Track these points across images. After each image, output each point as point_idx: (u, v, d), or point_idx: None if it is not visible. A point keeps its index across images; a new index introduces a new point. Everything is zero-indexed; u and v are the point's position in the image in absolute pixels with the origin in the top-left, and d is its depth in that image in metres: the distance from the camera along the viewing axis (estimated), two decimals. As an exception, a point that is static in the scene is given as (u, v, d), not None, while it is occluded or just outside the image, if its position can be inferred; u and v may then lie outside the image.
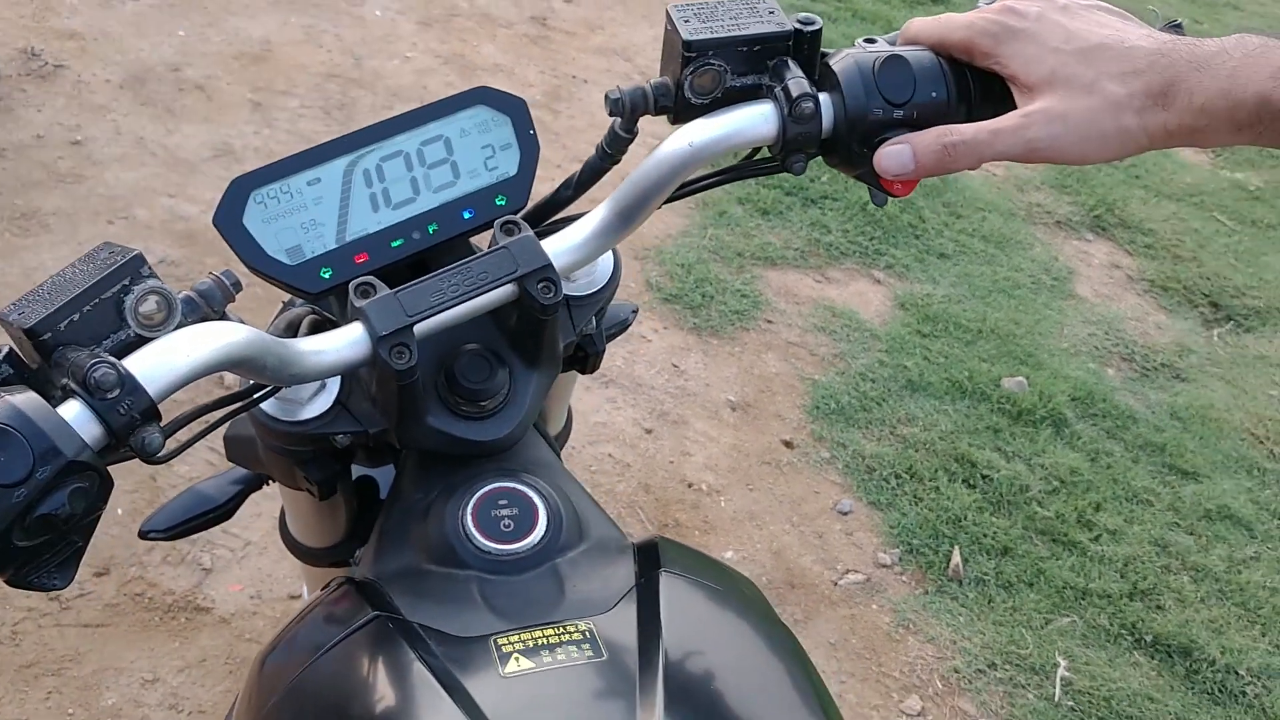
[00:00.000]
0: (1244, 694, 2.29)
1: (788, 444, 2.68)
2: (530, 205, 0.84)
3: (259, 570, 2.11)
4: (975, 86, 0.72)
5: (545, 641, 0.64)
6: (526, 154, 0.82)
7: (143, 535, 1.05)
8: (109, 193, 2.88)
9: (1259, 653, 2.37)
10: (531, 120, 0.82)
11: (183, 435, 0.65)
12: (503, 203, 0.81)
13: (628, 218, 0.76)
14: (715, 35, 0.72)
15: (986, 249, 3.56)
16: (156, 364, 0.58)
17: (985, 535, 2.50)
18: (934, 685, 2.20)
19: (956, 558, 2.44)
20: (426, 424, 0.78)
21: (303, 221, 0.76)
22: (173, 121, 3.19)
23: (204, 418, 0.67)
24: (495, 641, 0.65)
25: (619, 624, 0.66)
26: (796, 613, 2.29)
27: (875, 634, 2.28)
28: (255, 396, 0.71)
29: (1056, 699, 2.20)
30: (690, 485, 2.51)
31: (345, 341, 0.70)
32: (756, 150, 0.76)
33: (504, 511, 0.75)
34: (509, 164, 0.81)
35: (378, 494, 1.03)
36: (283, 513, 1.06)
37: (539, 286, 0.73)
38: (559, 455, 0.97)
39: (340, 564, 1.04)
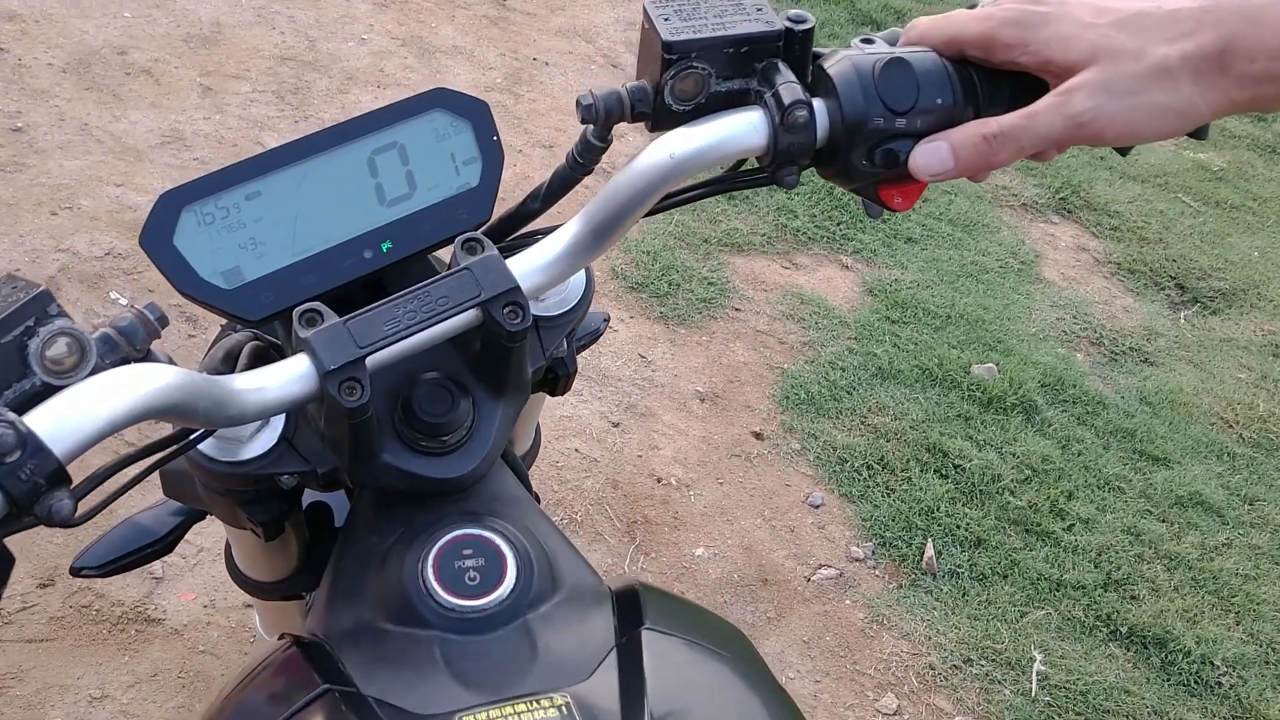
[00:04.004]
0: (1219, 685, 2.27)
1: (757, 435, 2.62)
2: (494, 219, 0.77)
3: (212, 578, 2.02)
4: (983, 89, 0.66)
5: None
6: (489, 162, 0.75)
7: (75, 573, 0.97)
8: (52, 182, 2.76)
9: (1233, 642, 2.35)
10: (494, 125, 0.74)
11: (106, 487, 0.58)
12: (464, 217, 0.74)
13: (602, 235, 0.69)
14: (698, 35, 0.65)
15: (953, 233, 3.52)
16: (65, 419, 0.51)
17: (958, 526, 2.47)
18: (910, 682, 2.16)
19: (930, 550, 2.40)
20: (382, 461, 0.71)
21: (241, 241, 0.69)
22: (119, 107, 3.07)
23: (127, 469, 0.59)
24: None
25: (599, 694, 0.60)
26: (769, 610, 2.24)
27: (849, 631, 2.23)
28: (189, 440, 0.64)
29: (1033, 694, 2.17)
30: (659, 480, 2.45)
31: (289, 377, 0.63)
32: (743, 161, 0.69)
33: (469, 562, 0.68)
34: (470, 174, 0.74)
35: (331, 521, 0.96)
36: (228, 544, 0.99)
37: (505, 311, 0.66)
38: (528, 479, 0.90)
39: (293, 597, 0.97)
